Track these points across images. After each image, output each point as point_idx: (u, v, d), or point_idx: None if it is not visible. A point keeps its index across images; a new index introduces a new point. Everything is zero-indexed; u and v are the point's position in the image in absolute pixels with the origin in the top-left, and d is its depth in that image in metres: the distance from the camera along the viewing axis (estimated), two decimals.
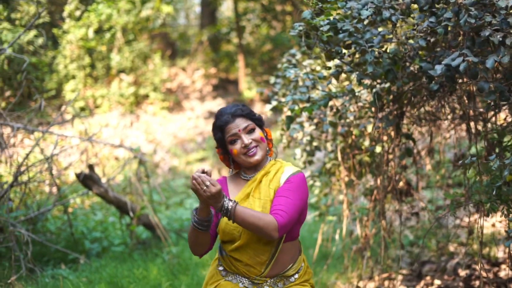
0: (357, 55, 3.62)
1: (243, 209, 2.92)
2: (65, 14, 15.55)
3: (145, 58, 16.07)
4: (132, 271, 5.99)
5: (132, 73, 15.89)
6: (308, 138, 5.19)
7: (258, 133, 3.18)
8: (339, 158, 4.91)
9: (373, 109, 4.36)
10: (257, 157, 3.16)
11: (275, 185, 3.17)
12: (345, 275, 5.70)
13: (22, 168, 6.46)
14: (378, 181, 5.08)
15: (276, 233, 2.94)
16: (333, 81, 4.40)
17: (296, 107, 4.04)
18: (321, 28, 3.35)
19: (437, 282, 5.78)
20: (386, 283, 6.08)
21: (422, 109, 4.29)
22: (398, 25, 3.53)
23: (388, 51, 3.58)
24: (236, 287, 3.18)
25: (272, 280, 3.18)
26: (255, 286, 3.17)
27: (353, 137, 4.86)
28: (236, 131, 3.15)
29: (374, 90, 4.24)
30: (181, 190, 11.22)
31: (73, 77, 15.37)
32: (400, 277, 6.20)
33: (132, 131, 14.57)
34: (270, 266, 3.14)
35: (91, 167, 7.03)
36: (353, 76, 4.30)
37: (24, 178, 6.80)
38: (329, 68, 3.93)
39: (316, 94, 4.22)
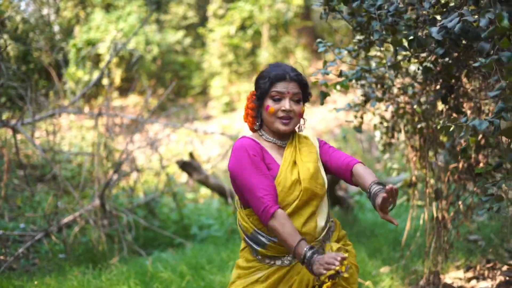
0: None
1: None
2: (209, 13, 16.17)
3: (287, 52, 16.23)
4: (219, 254, 6.15)
5: None
6: (378, 119, 5.04)
7: (301, 107, 3.04)
8: (402, 137, 4.71)
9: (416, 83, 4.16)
10: (288, 127, 3.00)
11: (314, 149, 3.10)
12: (428, 261, 5.45)
13: (124, 157, 6.87)
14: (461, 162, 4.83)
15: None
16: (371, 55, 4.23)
17: (329, 82, 3.97)
18: None
19: None
20: (486, 272, 5.74)
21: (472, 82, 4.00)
22: None
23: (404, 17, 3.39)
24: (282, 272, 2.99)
25: (321, 237, 3.02)
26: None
27: (419, 115, 4.64)
28: (285, 90, 2.98)
29: (424, 63, 4.04)
30: None
31: (219, 74, 15.93)
32: (505, 267, 5.82)
33: None
34: (326, 228, 3.05)
35: (191, 154, 7.29)
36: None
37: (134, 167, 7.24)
38: (360, 41, 3.80)
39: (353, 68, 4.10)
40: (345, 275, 2.85)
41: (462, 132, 2.37)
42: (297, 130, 3.15)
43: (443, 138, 4.63)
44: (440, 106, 4.49)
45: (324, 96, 3.97)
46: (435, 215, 4.87)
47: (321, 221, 3.01)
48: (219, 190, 7.42)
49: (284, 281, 2.97)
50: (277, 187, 2.92)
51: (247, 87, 15.68)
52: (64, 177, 7.65)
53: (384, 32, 3.24)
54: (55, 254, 6.24)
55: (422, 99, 4.39)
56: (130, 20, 14.46)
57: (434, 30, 2.91)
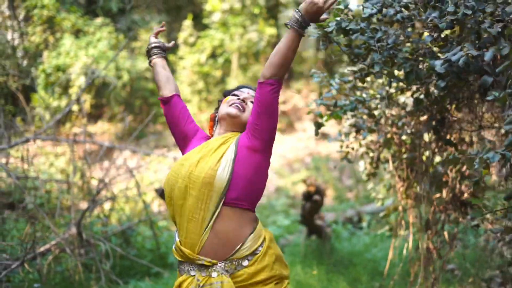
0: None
1: None
2: (179, 41, 16.19)
3: (256, 81, 16.25)
4: None
5: None
6: (364, 148, 5.08)
7: (249, 114, 3.08)
8: (390, 167, 4.75)
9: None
10: (239, 112, 3.08)
11: (228, 142, 3.01)
12: None
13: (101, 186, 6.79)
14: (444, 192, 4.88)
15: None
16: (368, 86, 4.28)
17: (322, 113, 4.00)
18: (325, 29, 3.29)
19: None
20: None
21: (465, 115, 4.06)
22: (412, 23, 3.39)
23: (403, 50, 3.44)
24: (189, 281, 2.81)
25: (222, 264, 2.78)
26: (205, 276, 2.76)
27: (407, 146, 4.69)
28: (244, 91, 3.24)
29: (415, 95, 4.10)
30: (281, 209, 11.22)
31: (188, 101, 15.90)
32: None
33: None
34: (207, 233, 2.78)
35: None
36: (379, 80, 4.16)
37: (111, 194, 7.15)
38: (355, 72, 3.85)
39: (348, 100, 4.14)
40: None
41: (476, 164, 2.40)
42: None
43: (431, 169, 4.68)
44: (427, 137, 4.54)
45: (318, 126, 4.00)
46: (424, 245, 4.90)
47: (207, 231, 2.80)
48: None
49: None
50: (176, 165, 2.97)
51: None
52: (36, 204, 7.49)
53: (383, 65, 3.28)
54: (30, 283, 6.09)
55: (411, 130, 4.44)
56: (100, 46, 14.37)
57: (437, 63, 2.96)
